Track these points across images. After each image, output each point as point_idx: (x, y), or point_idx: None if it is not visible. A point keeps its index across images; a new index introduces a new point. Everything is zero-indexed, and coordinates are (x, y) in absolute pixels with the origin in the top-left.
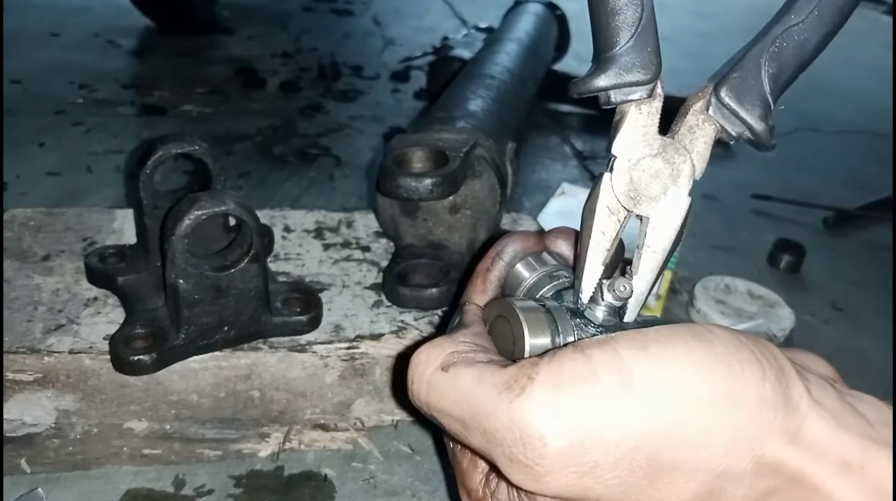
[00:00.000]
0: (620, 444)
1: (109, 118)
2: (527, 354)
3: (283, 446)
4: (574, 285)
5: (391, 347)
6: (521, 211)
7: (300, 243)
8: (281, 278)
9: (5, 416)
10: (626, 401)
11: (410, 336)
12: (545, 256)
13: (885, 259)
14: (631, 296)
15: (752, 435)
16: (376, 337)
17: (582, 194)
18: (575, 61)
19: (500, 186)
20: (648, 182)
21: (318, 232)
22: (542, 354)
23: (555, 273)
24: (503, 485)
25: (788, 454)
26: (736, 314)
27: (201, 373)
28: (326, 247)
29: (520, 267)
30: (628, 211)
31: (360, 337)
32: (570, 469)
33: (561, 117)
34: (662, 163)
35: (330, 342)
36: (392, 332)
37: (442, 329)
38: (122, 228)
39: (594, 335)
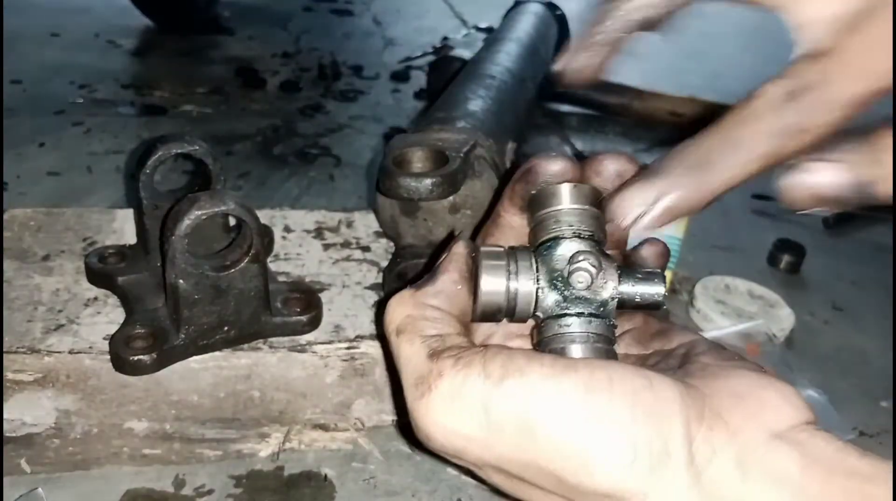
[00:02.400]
0: (487, 461)
1: (109, 118)
2: (480, 298)
3: (283, 446)
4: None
5: None
6: None
7: (300, 243)
8: (281, 278)
9: (5, 416)
10: (496, 436)
11: None
12: (584, 190)
13: (885, 259)
14: (583, 286)
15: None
16: (376, 337)
17: None
18: None
19: (501, 186)
20: None
21: (318, 232)
22: (457, 351)
23: (579, 215)
24: None
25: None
26: (736, 313)
27: (201, 373)
28: (326, 247)
29: (555, 190)
30: None
31: (360, 337)
32: (455, 457)
33: (561, 117)
34: None
35: (330, 342)
36: None
37: None
38: (122, 228)
39: (560, 299)
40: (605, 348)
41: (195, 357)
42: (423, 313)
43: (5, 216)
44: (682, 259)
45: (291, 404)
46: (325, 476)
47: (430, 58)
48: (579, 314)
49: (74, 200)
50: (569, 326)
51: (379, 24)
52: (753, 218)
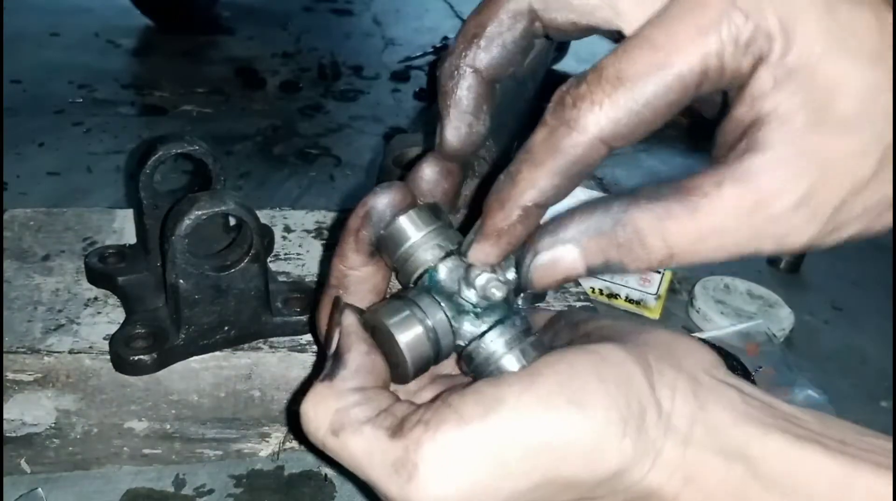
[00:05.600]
0: None
1: (109, 118)
2: (408, 356)
3: (283, 446)
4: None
5: None
6: None
7: (300, 243)
8: (281, 278)
9: (5, 416)
10: (503, 472)
11: None
12: (424, 211)
13: (885, 259)
14: (502, 296)
15: (613, 482)
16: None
17: (582, 193)
18: (575, 61)
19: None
20: None
21: (318, 232)
22: (417, 416)
23: (436, 235)
24: None
25: (643, 483)
26: (736, 313)
27: (202, 373)
28: (326, 247)
29: (403, 223)
30: None
31: None
32: None
33: None
34: None
35: None
36: None
37: None
38: (122, 228)
39: (472, 318)
40: (533, 341)
41: (195, 357)
42: (351, 399)
43: (5, 216)
44: None
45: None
46: (325, 475)
47: (430, 58)
48: (499, 322)
49: (74, 200)
50: (493, 340)
51: (379, 24)
52: None
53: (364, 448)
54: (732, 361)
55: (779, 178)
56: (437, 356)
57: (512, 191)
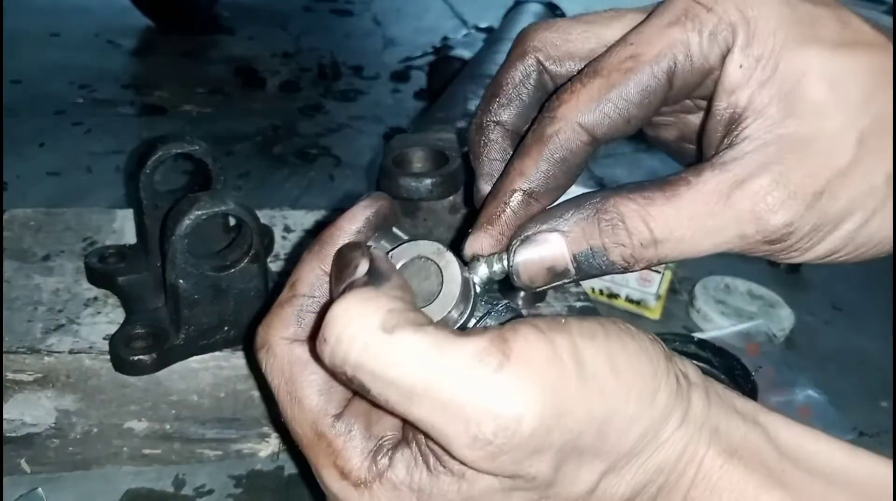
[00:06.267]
0: (573, 428)
1: (109, 118)
2: (456, 296)
3: (283, 446)
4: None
5: None
6: None
7: (300, 243)
8: (281, 279)
9: (5, 416)
10: (581, 388)
11: None
12: (396, 231)
13: (886, 259)
14: (504, 272)
15: (660, 424)
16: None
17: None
18: None
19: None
20: None
21: (318, 232)
22: (489, 329)
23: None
24: (402, 463)
25: (673, 440)
26: (736, 313)
27: (201, 373)
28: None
29: (389, 236)
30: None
31: None
32: (527, 449)
33: None
34: None
35: None
36: None
37: None
38: (122, 228)
39: (481, 301)
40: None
41: (195, 357)
42: (406, 306)
43: (5, 216)
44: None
45: None
46: None
47: (430, 58)
48: (498, 304)
49: (74, 200)
50: (501, 313)
51: (379, 24)
52: None
53: (431, 342)
54: (732, 361)
55: (755, 161)
56: (460, 319)
57: (504, 181)
